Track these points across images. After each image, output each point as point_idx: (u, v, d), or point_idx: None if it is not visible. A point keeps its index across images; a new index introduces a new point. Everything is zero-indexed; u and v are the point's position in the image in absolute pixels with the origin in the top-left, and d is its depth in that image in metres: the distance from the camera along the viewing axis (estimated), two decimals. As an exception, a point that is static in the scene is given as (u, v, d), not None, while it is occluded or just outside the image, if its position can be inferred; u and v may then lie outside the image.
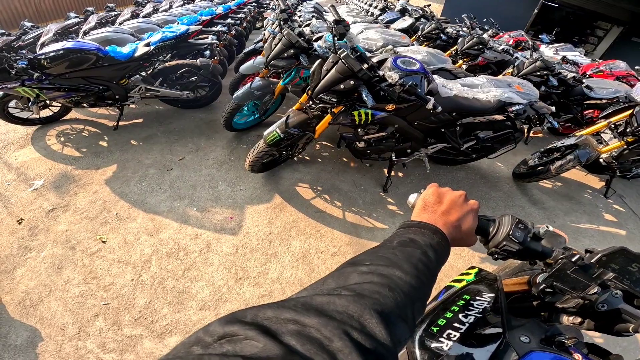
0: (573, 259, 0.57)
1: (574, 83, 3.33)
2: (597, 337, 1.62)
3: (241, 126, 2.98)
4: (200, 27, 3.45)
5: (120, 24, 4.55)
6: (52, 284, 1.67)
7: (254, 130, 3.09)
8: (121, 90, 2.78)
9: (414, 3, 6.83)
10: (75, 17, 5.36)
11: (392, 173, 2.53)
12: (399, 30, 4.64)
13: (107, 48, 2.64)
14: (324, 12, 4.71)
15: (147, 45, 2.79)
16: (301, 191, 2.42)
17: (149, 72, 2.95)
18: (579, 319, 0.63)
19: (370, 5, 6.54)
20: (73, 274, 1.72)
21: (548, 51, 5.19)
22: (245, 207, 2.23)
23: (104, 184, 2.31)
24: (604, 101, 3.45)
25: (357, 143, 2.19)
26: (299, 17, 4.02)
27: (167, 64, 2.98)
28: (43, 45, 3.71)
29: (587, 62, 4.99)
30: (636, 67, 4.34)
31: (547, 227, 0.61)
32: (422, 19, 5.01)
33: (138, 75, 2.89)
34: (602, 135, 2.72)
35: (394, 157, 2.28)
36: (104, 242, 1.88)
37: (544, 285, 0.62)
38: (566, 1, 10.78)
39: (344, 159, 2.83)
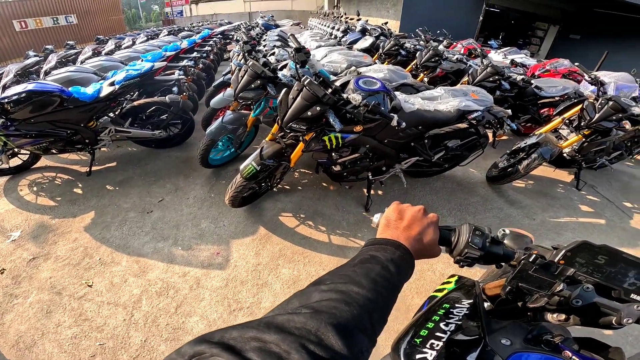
0: (531, 259, 0.59)
1: (524, 85, 3.54)
2: (605, 331, 1.71)
3: (218, 162, 2.96)
4: (165, 63, 3.46)
5: (81, 62, 4.47)
6: (44, 327, 1.67)
7: (232, 164, 3.09)
8: (90, 134, 2.71)
9: (373, 22, 7.19)
10: (35, 55, 5.21)
11: (372, 192, 2.59)
12: (362, 49, 4.88)
13: (70, 89, 2.57)
14: (288, 40, 4.87)
15: (112, 84, 2.74)
16: (285, 220, 2.43)
17: (117, 113, 2.89)
18: (563, 316, 0.63)
19: (333, 28, 6.83)
20: (63, 317, 1.71)
21: (497, 56, 5.52)
22: (231, 242, 2.22)
23: (83, 231, 2.28)
24: (556, 99, 3.69)
25: (334, 167, 2.23)
26: (264, 46, 4.12)
27: (135, 103, 2.94)
28: (5, 87, 3.58)
29: (534, 63, 5.34)
30: (576, 64, 4.72)
31: (504, 230, 0.65)
32: (382, 37, 5.29)
33: (106, 117, 2.82)
34: (560, 131, 2.86)
35: (370, 177, 2.35)
36: (90, 286, 1.88)
37: (509, 287, 0.63)
38: (505, 6, 11.72)
39: (324, 184, 2.87)
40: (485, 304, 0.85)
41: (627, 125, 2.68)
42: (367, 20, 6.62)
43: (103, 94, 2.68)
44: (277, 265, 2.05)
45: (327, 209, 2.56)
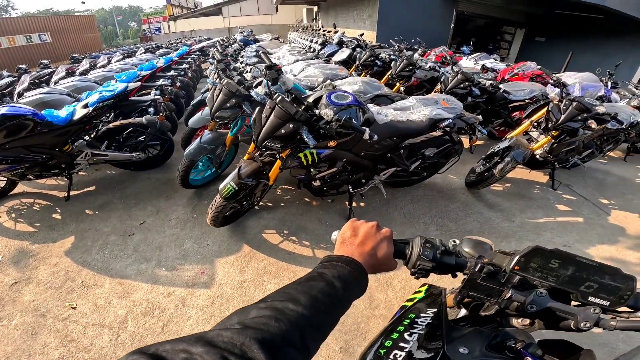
0: (477, 268, 0.61)
1: (493, 90, 3.67)
2: (595, 330, 1.74)
3: (199, 182, 2.94)
4: (139, 83, 3.42)
5: (55, 83, 4.37)
6: (30, 348, 1.66)
7: (213, 184, 3.06)
8: (66, 158, 2.66)
9: (350, 34, 7.36)
10: (8, 75, 5.04)
11: (354, 204, 2.63)
12: (339, 62, 4.99)
13: (43, 112, 2.52)
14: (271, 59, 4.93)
15: (86, 106, 2.68)
16: (268, 237, 2.43)
17: (92, 136, 2.84)
18: (528, 321, 0.65)
19: (312, 41, 6.96)
20: (49, 338, 1.71)
21: (468, 62, 5.70)
22: (215, 261, 2.21)
23: (63, 255, 2.27)
24: (525, 101, 3.82)
25: (314, 182, 2.26)
26: (241, 62, 4.16)
27: (110, 125, 2.89)
28: None
29: (504, 67, 5.57)
30: (538, 67, 4.91)
31: (455, 240, 0.68)
32: (358, 48, 5.43)
33: (82, 140, 2.78)
34: (530, 133, 2.94)
35: (351, 190, 2.38)
36: (73, 308, 1.87)
37: (459, 296, 0.66)
38: (473, 11, 12.23)
39: (306, 199, 2.89)
40: (462, 311, 0.85)
41: (593, 124, 2.78)
42: (344, 32, 6.79)
43: (77, 116, 2.63)
44: (263, 282, 2.05)
45: (311, 223, 2.58)
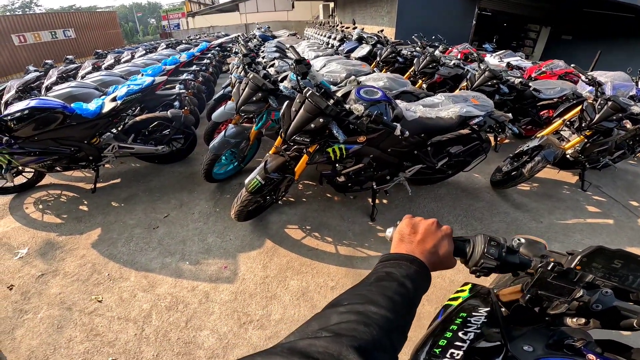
0: (549, 267, 0.59)
1: (522, 88, 3.56)
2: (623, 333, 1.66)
3: (222, 176, 2.96)
4: (165, 77, 3.47)
5: (82, 77, 4.49)
6: (55, 342, 1.67)
7: (235, 178, 3.09)
8: (94, 150, 2.71)
9: (368, 30, 7.27)
10: (35, 70, 5.24)
11: (377, 201, 2.59)
12: (359, 58, 4.93)
13: (72, 105, 2.58)
14: (286, 50, 4.92)
15: (114, 100, 2.73)
16: (291, 232, 2.42)
17: (119, 129, 2.89)
18: (583, 320, 0.63)
19: (330, 37, 6.91)
20: (74, 332, 1.72)
21: (493, 59, 5.59)
22: (238, 255, 2.22)
23: (90, 247, 2.30)
24: (555, 100, 3.70)
25: (338, 178, 2.23)
26: (262, 57, 4.16)
27: (137, 119, 2.94)
28: (7, 104, 3.59)
29: (529, 65, 5.40)
30: (572, 65, 4.74)
31: (519, 239, 0.66)
32: (379, 45, 5.34)
33: (109, 133, 2.83)
34: (562, 133, 2.86)
35: (375, 186, 2.34)
36: (100, 301, 1.89)
37: (528, 295, 0.64)
38: (496, 9, 11.89)
39: (328, 195, 2.87)
40: (502, 310, 0.86)
41: (628, 124, 2.69)
42: (362, 29, 6.70)
43: (105, 109, 2.68)
44: (286, 277, 2.04)
45: (333, 219, 2.56)
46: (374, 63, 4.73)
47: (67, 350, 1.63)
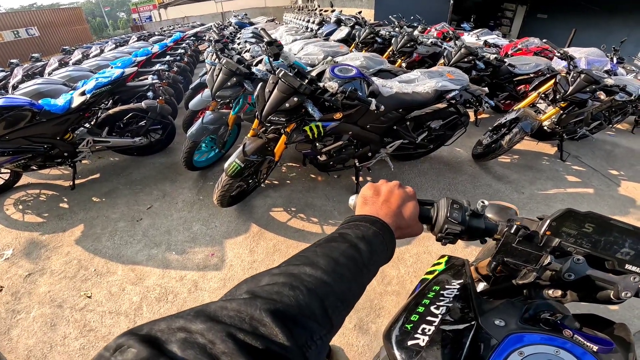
0: (513, 230, 0.54)
1: (498, 63, 3.62)
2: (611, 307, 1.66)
3: (203, 164, 2.92)
4: (135, 68, 3.36)
5: (49, 74, 4.32)
6: (51, 340, 1.67)
7: (218, 165, 3.05)
8: (68, 147, 2.64)
9: (347, 12, 7.18)
10: (1, 70, 4.98)
11: (360, 179, 2.61)
12: (338, 40, 4.86)
13: (40, 102, 2.48)
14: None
15: (83, 94, 2.64)
16: (276, 215, 2.42)
17: (93, 123, 2.81)
18: (559, 292, 0.59)
19: (308, 21, 6.78)
20: (68, 329, 1.72)
21: (470, 38, 5.63)
22: (224, 242, 2.21)
23: (74, 244, 2.26)
24: (531, 75, 3.78)
25: (319, 157, 2.23)
26: (238, 43, 4.06)
27: (110, 111, 2.86)
28: None
29: (506, 43, 5.48)
30: (544, 40, 4.83)
31: (483, 201, 0.59)
32: (357, 26, 5.28)
33: (82, 128, 2.74)
34: (538, 105, 2.93)
35: (357, 163, 2.36)
36: (89, 297, 1.89)
37: (494, 263, 0.59)
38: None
39: (312, 176, 2.87)
40: (481, 284, 0.80)
41: (602, 95, 2.77)
42: (341, 11, 6.60)
43: (74, 104, 2.59)
44: (273, 261, 2.05)
45: (318, 200, 2.57)
46: (353, 45, 4.69)
47: (64, 347, 1.63)
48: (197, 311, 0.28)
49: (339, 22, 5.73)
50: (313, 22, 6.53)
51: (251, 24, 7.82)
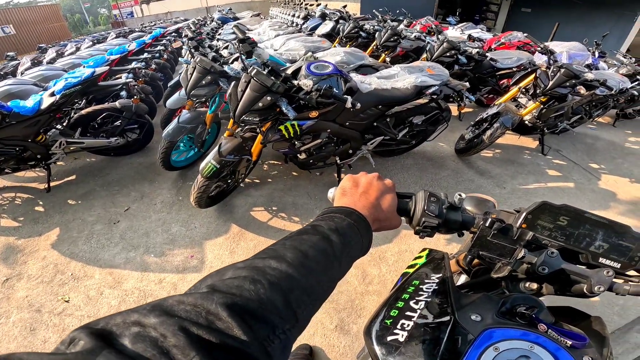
0: (488, 224, 0.55)
1: (480, 58, 3.62)
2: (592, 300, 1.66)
3: (183, 163, 2.85)
4: (107, 67, 3.25)
5: (21, 74, 4.16)
6: (31, 344, 1.67)
7: (197, 164, 2.94)
8: (40, 149, 2.55)
9: (333, 6, 7.10)
10: None
11: (342, 176, 2.59)
12: (323, 35, 4.81)
13: (9, 104, 2.40)
14: (246, 32, 4.71)
15: (52, 94, 2.56)
16: (257, 215, 2.38)
17: (65, 124, 2.73)
18: (535, 285, 0.59)
19: (293, 15, 6.69)
20: (48, 333, 1.71)
21: (455, 32, 5.61)
22: (204, 243, 2.17)
23: (50, 248, 2.21)
24: (513, 69, 3.80)
25: (299, 155, 2.20)
26: (217, 40, 3.96)
27: (83, 112, 2.78)
28: None
29: (490, 37, 5.49)
30: (525, 35, 4.86)
31: (460, 194, 0.60)
32: (341, 21, 5.22)
33: (54, 129, 2.66)
34: (519, 100, 2.94)
35: (339, 161, 2.33)
36: (67, 301, 1.87)
37: (469, 256, 0.60)
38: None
39: (294, 174, 2.83)
40: (463, 276, 0.81)
41: (582, 90, 2.79)
42: (326, 5, 6.52)
43: (44, 105, 2.50)
44: (254, 262, 2.02)
45: (299, 198, 2.54)
46: (337, 39, 4.63)
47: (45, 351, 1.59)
48: (153, 305, 0.28)
49: (323, 17, 5.65)
50: (298, 17, 6.44)
51: (235, 19, 7.67)
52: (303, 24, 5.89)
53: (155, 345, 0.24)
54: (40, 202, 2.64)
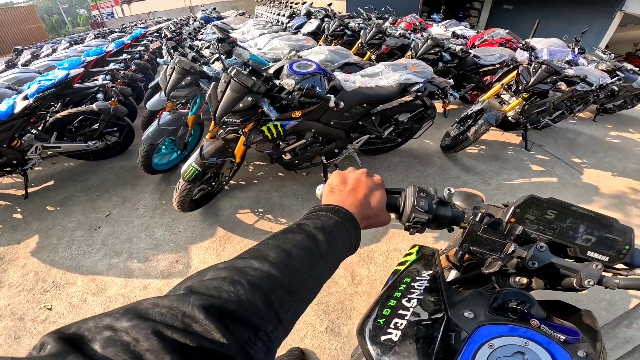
0: (478, 218, 0.55)
1: (463, 55, 3.66)
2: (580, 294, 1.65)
3: (165, 166, 2.78)
4: (82, 69, 3.14)
5: None
6: (17, 352, 1.65)
7: (180, 167, 2.90)
8: (16, 154, 2.46)
9: (319, 4, 7.06)
10: None
11: (329, 175, 2.56)
12: (308, 33, 4.77)
13: None
14: (230, 32, 4.63)
15: (25, 98, 2.46)
16: (243, 217, 2.34)
17: (40, 128, 2.62)
18: (525, 280, 0.59)
19: (279, 14, 6.62)
20: (32, 341, 1.68)
21: (439, 29, 5.66)
22: (189, 248, 2.12)
23: (30, 256, 2.15)
24: (496, 66, 3.85)
25: (284, 156, 2.16)
26: (199, 40, 3.88)
27: (58, 115, 2.68)
28: None
29: (474, 34, 5.57)
30: (506, 31, 4.94)
31: (449, 189, 0.59)
32: (327, 19, 5.19)
33: (29, 134, 2.55)
34: (502, 96, 2.98)
35: (324, 160, 2.31)
36: (49, 309, 1.84)
37: (460, 252, 0.59)
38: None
39: (280, 174, 2.80)
40: (453, 272, 0.81)
41: (563, 86, 2.84)
42: (311, 3, 6.49)
43: (17, 109, 2.39)
44: (240, 265, 1.99)
45: (286, 199, 2.50)
46: (323, 37, 4.61)
47: None
48: (127, 309, 0.27)
49: (309, 15, 5.61)
50: (284, 15, 6.38)
51: (220, 18, 7.53)
52: (288, 22, 5.84)
53: (127, 350, 0.23)
54: (18, 209, 2.55)
